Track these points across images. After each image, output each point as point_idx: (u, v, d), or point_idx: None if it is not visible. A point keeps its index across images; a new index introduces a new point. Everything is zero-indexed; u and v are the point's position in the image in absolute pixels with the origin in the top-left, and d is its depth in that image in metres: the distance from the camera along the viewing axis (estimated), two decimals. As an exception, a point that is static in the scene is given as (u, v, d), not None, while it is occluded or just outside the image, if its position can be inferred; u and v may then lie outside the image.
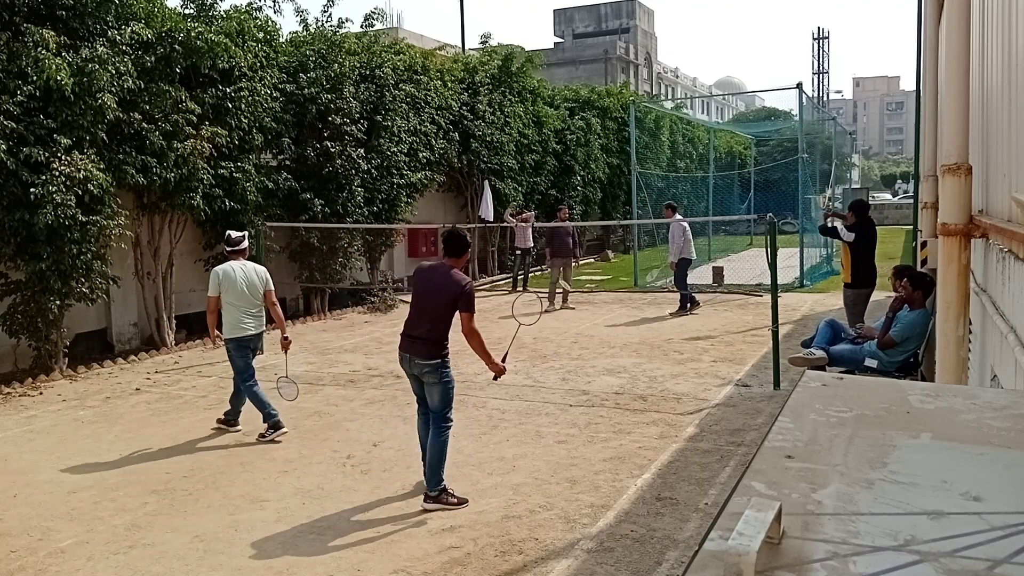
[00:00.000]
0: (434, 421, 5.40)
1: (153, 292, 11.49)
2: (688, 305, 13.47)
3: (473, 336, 5.31)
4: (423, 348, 5.33)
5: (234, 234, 7.32)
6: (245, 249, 7.26)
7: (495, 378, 5.63)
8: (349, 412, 7.76)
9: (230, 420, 7.23)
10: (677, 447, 6.44)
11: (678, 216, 13.94)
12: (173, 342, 11.46)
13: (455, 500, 5.32)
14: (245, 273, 7.01)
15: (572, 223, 17.02)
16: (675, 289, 14.01)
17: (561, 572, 4.39)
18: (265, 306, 7.13)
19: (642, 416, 7.37)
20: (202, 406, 8.12)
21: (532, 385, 8.65)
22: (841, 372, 6.59)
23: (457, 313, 5.32)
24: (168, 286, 11.61)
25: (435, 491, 5.31)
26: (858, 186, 50.55)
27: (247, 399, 7.05)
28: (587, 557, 4.55)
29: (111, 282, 10.17)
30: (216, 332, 7.03)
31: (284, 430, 6.95)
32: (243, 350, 6.99)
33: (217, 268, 7.05)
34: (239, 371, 7.02)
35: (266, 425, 6.91)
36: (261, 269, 7.21)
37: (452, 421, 5.48)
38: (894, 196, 57.55)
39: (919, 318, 6.96)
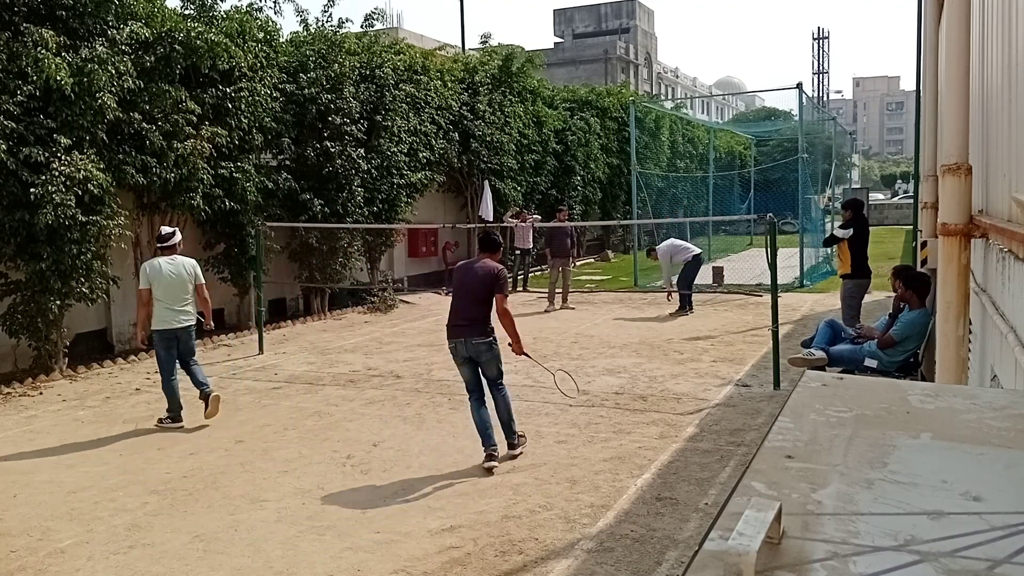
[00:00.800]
0: (496, 388, 6.21)
1: (153, 292, 11.48)
2: (687, 306, 13.44)
3: (506, 316, 6.09)
4: (474, 329, 6.07)
5: (164, 230, 7.65)
6: (174, 245, 7.47)
7: (515, 351, 6.33)
8: (349, 412, 7.76)
9: (173, 417, 7.39)
10: (677, 447, 6.44)
11: (659, 247, 13.95)
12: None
13: (524, 439, 6.40)
14: (173, 267, 7.28)
15: (571, 223, 17.01)
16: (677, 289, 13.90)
17: (561, 572, 4.39)
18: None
19: (642, 416, 7.37)
20: (202, 406, 8.11)
21: (532, 385, 8.65)
22: (841, 372, 6.59)
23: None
24: (168, 286, 11.60)
25: (515, 439, 6.24)
26: (858, 186, 50.45)
27: (169, 390, 7.35)
28: (587, 557, 4.55)
29: (111, 282, 10.17)
30: (144, 327, 7.38)
31: (182, 424, 7.31)
32: (167, 342, 7.27)
33: (145, 263, 7.43)
34: (160, 362, 7.34)
35: (168, 415, 7.34)
36: (190, 263, 7.47)
37: (505, 383, 6.34)
38: (892, 196, 57.52)
39: (919, 318, 6.96)
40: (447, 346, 6.31)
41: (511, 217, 17.09)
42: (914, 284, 7.03)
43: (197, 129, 10.92)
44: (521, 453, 6.26)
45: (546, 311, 14.00)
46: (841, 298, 10.15)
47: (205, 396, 7.35)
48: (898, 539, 0.97)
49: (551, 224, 15.58)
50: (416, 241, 17.80)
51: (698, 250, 13.83)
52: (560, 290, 14.44)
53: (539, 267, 18.69)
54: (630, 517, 5.08)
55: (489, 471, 5.90)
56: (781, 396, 7.73)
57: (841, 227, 10.05)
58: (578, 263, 23.03)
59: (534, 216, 17.42)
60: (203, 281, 7.54)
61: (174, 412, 7.32)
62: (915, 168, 12.25)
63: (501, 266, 6.25)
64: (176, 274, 7.26)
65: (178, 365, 7.40)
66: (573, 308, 14.35)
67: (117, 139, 10.21)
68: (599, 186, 24.52)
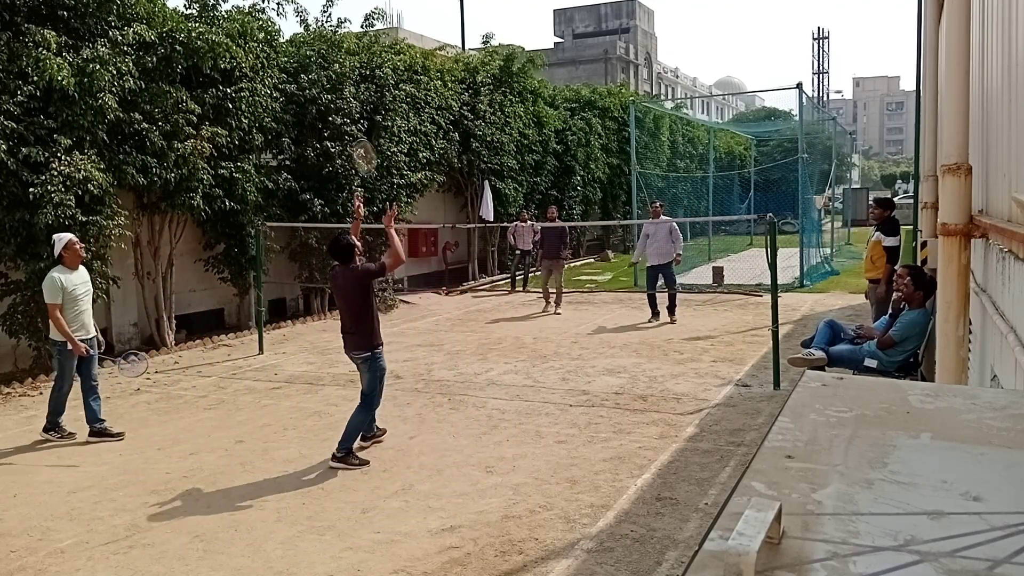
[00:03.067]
0: (362, 399, 6.30)
1: (153, 292, 11.49)
2: (663, 310, 12.65)
3: (393, 258, 6.31)
4: (353, 342, 6.23)
5: (56, 237, 7.12)
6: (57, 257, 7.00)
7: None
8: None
9: (102, 431, 7.06)
10: (677, 447, 6.44)
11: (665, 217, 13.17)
12: (173, 342, 11.46)
13: (357, 462, 6.08)
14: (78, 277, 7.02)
15: (565, 223, 16.81)
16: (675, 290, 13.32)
17: (561, 572, 4.39)
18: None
19: (642, 416, 7.37)
20: (202, 406, 8.12)
21: (532, 385, 8.65)
22: (841, 372, 6.59)
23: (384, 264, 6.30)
24: (168, 286, 11.61)
25: (342, 452, 6.08)
26: (858, 186, 50.50)
27: (89, 401, 7.09)
28: (587, 557, 4.55)
29: (111, 282, 10.17)
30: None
31: (70, 433, 7.04)
32: (67, 353, 6.97)
33: (53, 273, 6.93)
34: (58, 372, 7.04)
35: (47, 427, 7.08)
36: (45, 279, 6.96)
37: (376, 405, 6.40)
38: (892, 196, 57.50)
39: (919, 318, 6.96)
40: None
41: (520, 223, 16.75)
42: (923, 284, 7.03)
43: (197, 129, 10.92)
44: (342, 468, 6.02)
45: (543, 312, 13.98)
46: (870, 301, 9.60)
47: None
48: (898, 539, 0.97)
49: (542, 224, 15.20)
50: (416, 241, 17.80)
51: (672, 258, 12.70)
52: (553, 290, 14.09)
53: (538, 267, 18.66)
54: (630, 517, 5.08)
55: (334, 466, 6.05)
56: (781, 396, 7.73)
57: (885, 233, 9.30)
58: (578, 263, 23.06)
59: (532, 222, 17.12)
60: (47, 301, 6.87)
61: (52, 424, 7.10)
62: (915, 168, 12.24)
63: (360, 265, 6.32)
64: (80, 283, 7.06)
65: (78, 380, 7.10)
66: (560, 313, 13.71)
67: (117, 139, 10.21)
68: (599, 186, 24.52)
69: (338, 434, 6.99)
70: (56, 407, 7.06)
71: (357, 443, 6.36)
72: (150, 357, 10.70)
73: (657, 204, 13.74)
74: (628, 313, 13.82)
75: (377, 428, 6.77)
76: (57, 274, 6.87)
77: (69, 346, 6.83)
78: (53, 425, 7.09)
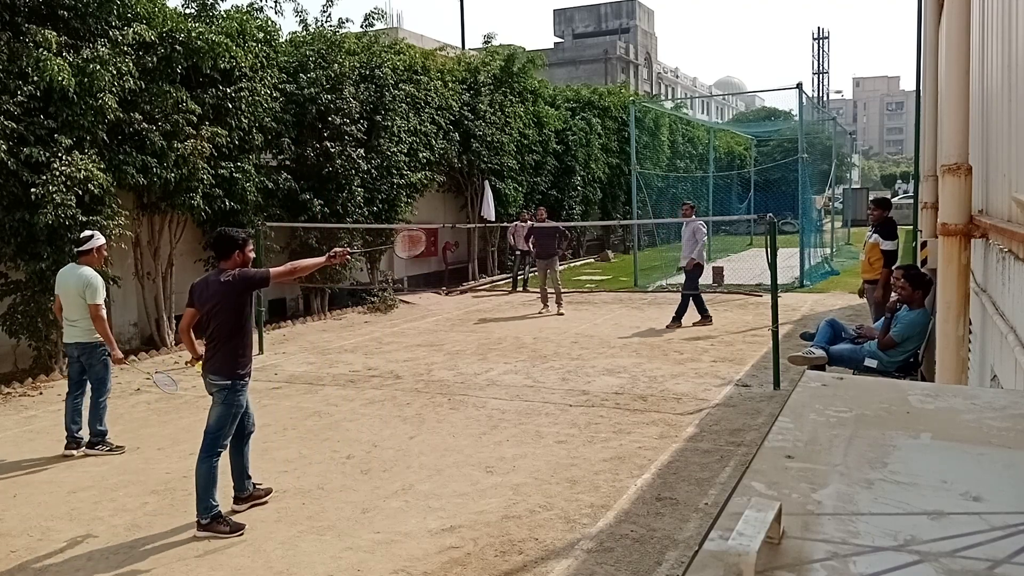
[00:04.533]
0: (204, 439, 5.04)
1: (153, 292, 11.50)
2: (704, 316, 12.26)
3: (292, 270, 5.38)
4: (214, 363, 5.05)
5: (91, 234, 6.86)
6: (83, 252, 6.72)
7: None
8: (349, 412, 7.76)
9: (95, 442, 6.68)
10: (677, 447, 6.44)
11: (694, 217, 12.46)
12: (173, 342, 11.46)
13: (228, 528, 4.93)
14: (65, 277, 6.65)
15: (559, 223, 16.64)
16: (679, 289, 13.11)
17: (561, 572, 4.39)
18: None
19: (642, 416, 7.37)
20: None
21: (532, 385, 8.65)
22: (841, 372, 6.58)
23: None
24: (168, 286, 11.61)
25: (206, 517, 4.93)
26: (858, 186, 50.50)
27: (97, 411, 6.68)
28: (587, 557, 4.55)
29: (111, 282, 10.16)
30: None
31: (118, 447, 6.70)
32: (67, 358, 6.75)
33: (87, 271, 6.67)
34: (102, 379, 6.67)
35: (92, 441, 6.65)
36: (83, 276, 6.58)
37: (223, 449, 5.08)
38: (892, 196, 57.57)
39: (919, 318, 6.96)
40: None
41: (521, 223, 16.64)
42: (921, 284, 7.03)
43: (197, 129, 10.92)
44: (211, 536, 4.87)
45: (540, 313, 13.97)
46: (868, 301, 9.55)
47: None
48: (898, 539, 0.97)
49: (531, 223, 14.94)
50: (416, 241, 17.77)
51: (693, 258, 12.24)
52: (551, 291, 13.96)
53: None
54: (630, 517, 5.08)
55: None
56: (781, 396, 7.73)
57: (883, 236, 9.21)
58: (578, 263, 23.06)
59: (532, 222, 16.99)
60: (97, 300, 6.54)
61: (70, 437, 6.63)
62: (915, 168, 12.23)
63: (232, 272, 5.09)
64: (64, 284, 6.61)
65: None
66: (562, 314, 13.62)
67: (118, 139, 10.21)
68: (599, 186, 24.53)
69: (338, 434, 7.01)
70: (100, 416, 6.64)
71: (230, 507, 5.24)
72: (150, 357, 10.72)
73: (686, 204, 12.94)
74: (628, 313, 13.82)
75: (255, 485, 5.47)
76: (94, 272, 6.62)
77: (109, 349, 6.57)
78: (101, 436, 6.69)
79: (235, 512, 5.25)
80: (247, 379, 5.15)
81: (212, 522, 4.93)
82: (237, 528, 4.97)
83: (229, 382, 5.02)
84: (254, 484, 5.46)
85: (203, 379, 5.14)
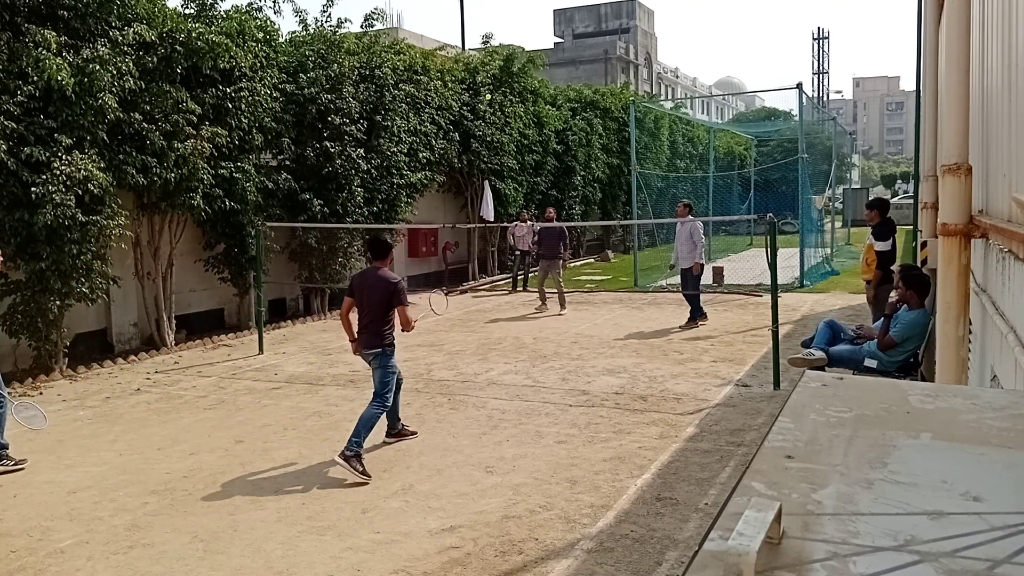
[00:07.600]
0: (374, 397, 6.28)
1: (153, 292, 11.49)
2: (698, 316, 12.26)
3: (408, 326, 6.34)
4: (367, 340, 6.30)
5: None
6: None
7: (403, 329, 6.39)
8: (349, 412, 7.75)
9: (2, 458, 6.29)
10: (677, 447, 6.44)
11: (690, 216, 12.50)
12: (173, 342, 11.46)
13: (360, 470, 5.83)
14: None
15: (563, 223, 16.74)
16: (677, 290, 13.21)
17: (561, 572, 4.39)
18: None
19: (642, 416, 7.37)
20: (202, 406, 8.12)
21: (532, 385, 8.65)
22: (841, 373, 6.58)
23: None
24: (168, 286, 11.61)
25: (352, 451, 5.88)
26: (858, 186, 50.52)
27: None
28: (587, 557, 4.55)
29: (111, 282, 10.18)
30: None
31: (13, 463, 6.29)
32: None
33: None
34: None
35: None
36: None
37: (388, 403, 6.33)
38: (892, 196, 57.68)
39: (919, 318, 6.96)
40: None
41: (521, 222, 16.68)
42: (914, 284, 7.02)
43: (197, 129, 10.92)
44: (344, 468, 5.81)
45: (537, 312, 13.96)
46: (869, 301, 9.49)
47: None
48: (898, 539, 0.97)
49: (540, 224, 15.09)
50: (416, 241, 17.80)
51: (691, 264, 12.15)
52: (551, 291, 13.97)
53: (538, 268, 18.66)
54: (630, 517, 5.08)
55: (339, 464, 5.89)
56: (781, 396, 7.73)
57: (878, 239, 9.22)
58: (578, 263, 23.07)
59: (532, 222, 17.05)
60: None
61: None
62: (915, 168, 12.24)
63: (396, 277, 6.41)
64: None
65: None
66: (564, 314, 13.67)
67: (117, 139, 10.21)
68: (599, 186, 24.53)
69: (338, 434, 7.00)
70: None
71: (382, 439, 6.54)
72: (150, 357, 10.71)
73: (680, 203, 12.93)
74: (628, 313, 13.82)
75: (403, 426, 6.85)
76: None
77: None
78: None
79: (387, 443, 6.60)
80: (393, 346, 6.39)
81: (353, 458, 5.84)
82: (367, 476, 5.81)
83: (379, 349, 6.27)
84: (402, 425, 6.81)
85: (359, 354, 6.42)
